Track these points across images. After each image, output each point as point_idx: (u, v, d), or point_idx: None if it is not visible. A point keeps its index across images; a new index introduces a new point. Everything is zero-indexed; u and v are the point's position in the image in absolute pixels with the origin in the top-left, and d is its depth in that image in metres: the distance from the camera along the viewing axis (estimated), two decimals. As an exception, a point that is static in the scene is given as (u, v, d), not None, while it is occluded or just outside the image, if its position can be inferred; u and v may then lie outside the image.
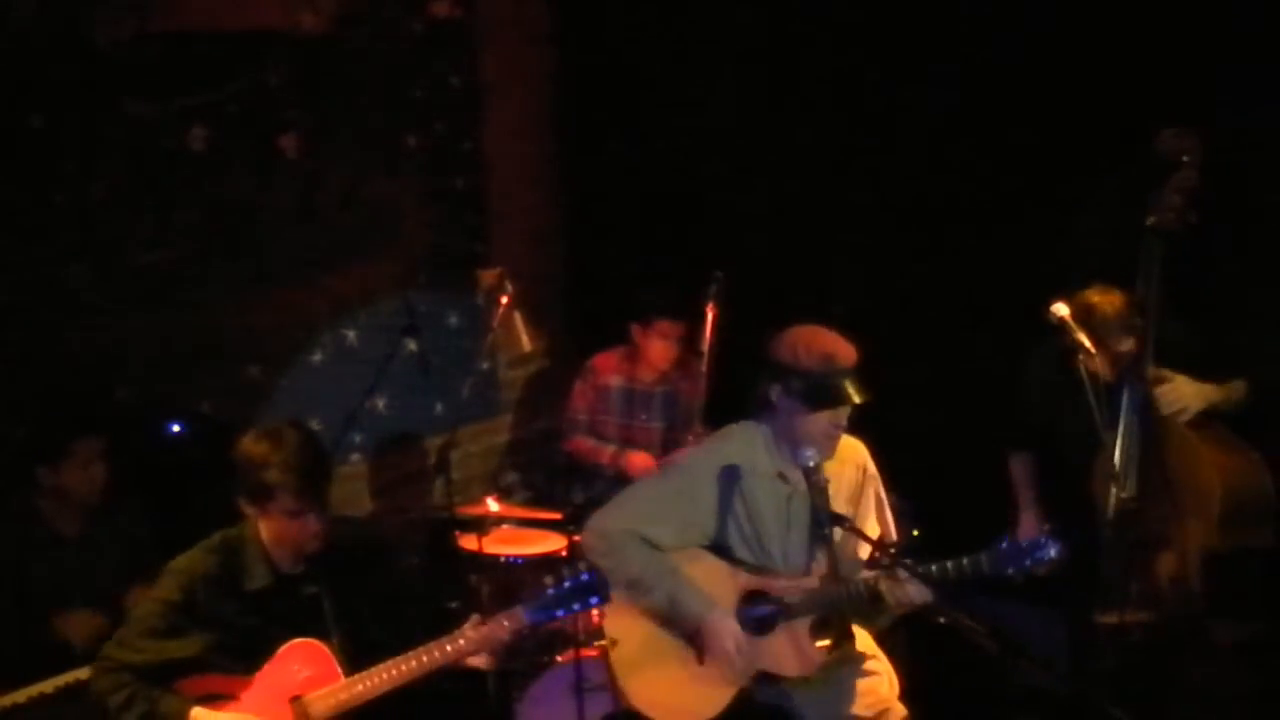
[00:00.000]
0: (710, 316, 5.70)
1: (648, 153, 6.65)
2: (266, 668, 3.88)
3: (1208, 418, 4.58)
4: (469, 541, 5.59)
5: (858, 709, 4.27)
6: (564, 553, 5.62)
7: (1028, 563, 3.92)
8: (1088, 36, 5.38)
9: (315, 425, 6.04)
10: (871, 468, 4.38)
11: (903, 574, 3.99)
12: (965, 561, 3.96)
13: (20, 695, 4.53)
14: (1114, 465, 4.48)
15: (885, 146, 5.94)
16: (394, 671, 3.82)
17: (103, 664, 3.93)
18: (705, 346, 5.72)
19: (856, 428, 4.33)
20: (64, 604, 4.79)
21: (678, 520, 4.27)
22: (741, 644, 4.18)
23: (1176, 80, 5.05)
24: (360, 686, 3.83)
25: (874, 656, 4.38)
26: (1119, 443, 4.49)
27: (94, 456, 4.88)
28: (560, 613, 3.83)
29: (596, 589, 3.82)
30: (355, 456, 6.41)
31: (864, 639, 4.39)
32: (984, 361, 5.49)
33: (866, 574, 4.13)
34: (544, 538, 5.78)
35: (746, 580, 4.24)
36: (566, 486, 6.50)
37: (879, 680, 4.33)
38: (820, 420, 4.13)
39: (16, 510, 4.90)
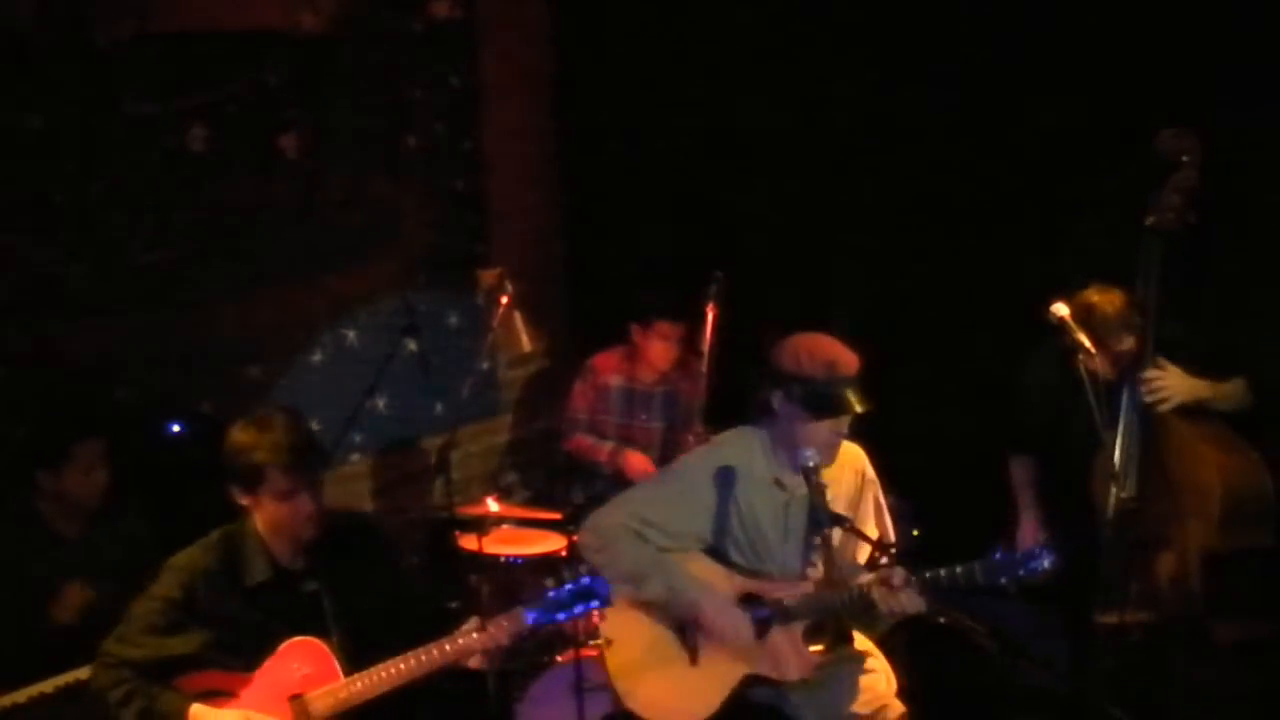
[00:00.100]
0: (710, 316, 5.70)
1: (648, 153, 6.64)
2: (266, 665, 3.88)
3: (1208, 417, 4.58)
4: (469, 541, 5.58)
5: (855, 706, 4.27)
6: (564, 553, 5.63)
7: (1021, 573, 3.93)
8: (1088, 36, 5.38)
9: (315, 425, 6.04)
10: (870, 473, 4.38)
11: (896, 581, 3.99)
12: (959, 570, 3.97)
13: (20, 695, 4.53)
14: (1114, 465, 4.48)
15: (885, 146, 5.94)
16: (393, 671, 3.81)
17: (102, 660, 3.94)
18: (705, 346, 5.72)
19: (856, 430, 4.33)
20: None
21: (674, 522, 4.27)
22: (739, 620, 4.17)
23: (1176, 80, 5.05)
24: (359, 685, 3.83)
25: (872, 655, 4.39)
26: (1119, 443, 4.49)
27: (95, 460, 4.87)
28: (561, 616, 3.83)
29: (597, 592, 3.82)
30: (355, 456, 6.41)
31: (861, 637, 4.39)
32: (984, 362, 5.49)
33: (861, 579, 4.13)
34: (544, 538, 5.78)
35: (742, 583, 4.24)
36: (566, 486, 6.50)
37: (877, 678, 4.34)
38: (821, 429, 4.14)
39: (16, 511, 4.89)
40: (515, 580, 5.70)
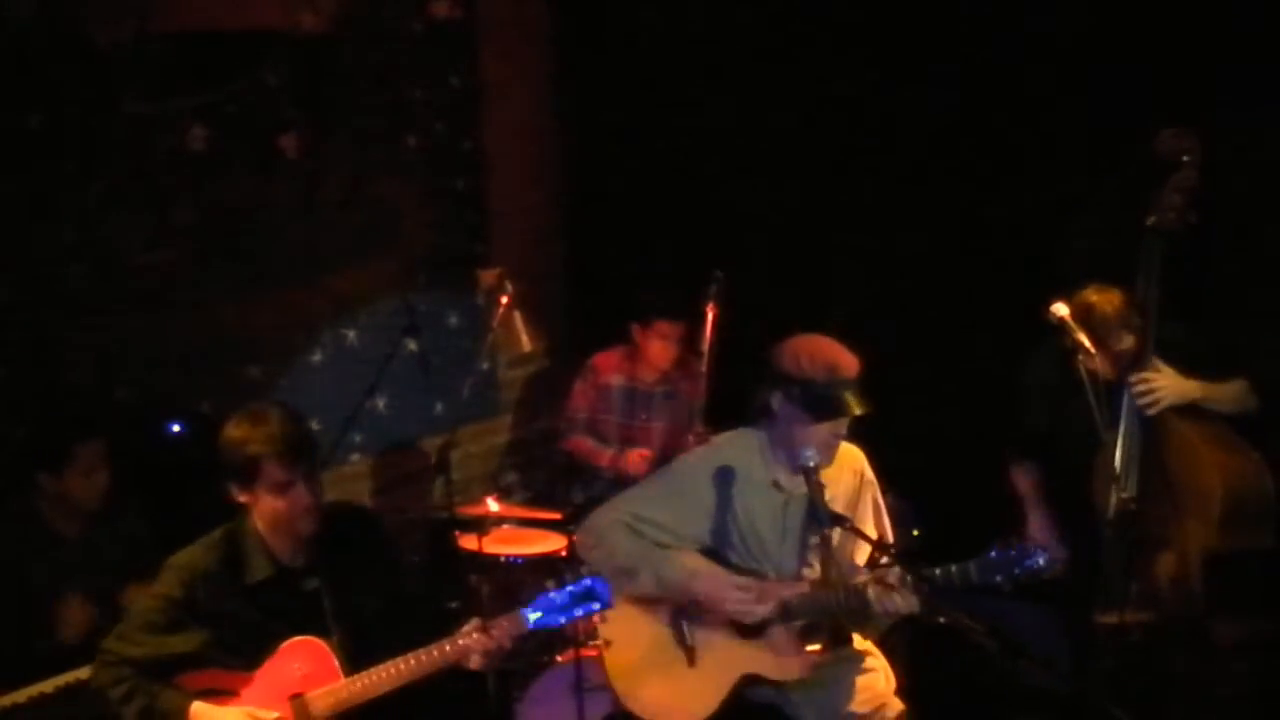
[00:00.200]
0: (710, 316, 5.70)
1: (648, 153, 6.65)
2: (267, 665, 3.88)
3: (1209, 418, 4.58)
4: (469, 541, 5.59)
5: (854, 705, 4.27)
6: (564, 553, 5.63)
7: (1016, 571, 3.92)
8: (1088, 36, 5.38)
9: (315, 425, 6.05)
10: (869, 474, 4.38)
11: (891, 580, 4.00)
12: (954, 569, 3.96)
13: (20, 695, 4.53)
14: (1114, 466, 4.48)
15: (885, 146, 5.94)
16: (393, 671, 3.81)
17: (103, 658, 3.94)
18: (705, 346, 5.72)
19: (856, 430, 4.33)
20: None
21: (671, 521, 4.27)
22: (739, 585, 4.16)
23: (1176, 80, 5.05)
24: (359, 685, 3.83)
25: (871, 653, 4.39)
26: (1119, 443, 4.49)
27: (96, 462, 4.87)
28: (562, 618, 3.83)
29: (598, 594, 3.82)
30: (355, 456, 6.41)
31: (863, 639, 4.39)
32: (984, 362, 5.49)
33: (858, 579, 4.13)
34: (544, 538, 5.79)
35: (737, 582, 4.23)
36: (566, 486, 6.50)
37: (875, 676, 4.34)
38: (821, 430, 4.14)
39: (17, 511, 4.89)
40: (515, 580, 5.70)
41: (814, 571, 4.20)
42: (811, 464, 4.04)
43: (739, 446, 4.33)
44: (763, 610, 4.15)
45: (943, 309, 5.85)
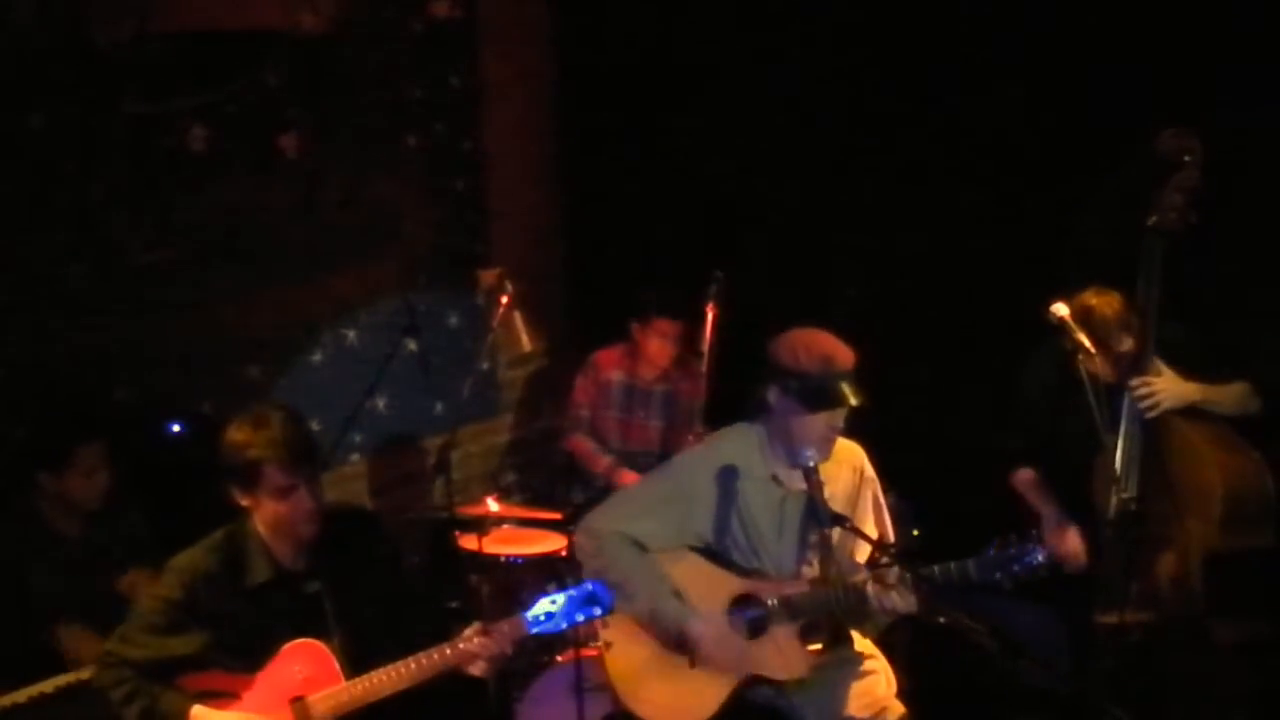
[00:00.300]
0: (710, 316, 5.70)
1: (648, 153, 6.65)
2: (268, 667, 3.88)
3: (1209, 418, 4.58)
4: (469, 541, 5.59)
5: (855, 709, 4.26)
6: (564, 553, 5.63)
7: (1015, 569, 3.92)
8: (1088, 36, 5.38)
9: (315, 425, 6.05)
10: (869, 470, 4.37)
11: (891, 578, 4.00)
12: (953, 567, 3.97)
13: (20, 695, 4.53)
14: (1114, 466, 4.48)
15: (885, 146, 5.94)
16: (394, 674, 3.81)
17: (104, 659, 3.94)
18: (705, 346, 5.72)
19: (855, 429, 4.33)
20: (64, 606, 4.78)
21: (670, 521, 4.27)
22: (724, 642, 4.17)
23: (1176, 80, 5.05)
24: (360, 689, 3.83)
25: (871, 656, 4.38)
26: (1119, 443, 4.50)
27: (97, 463, 4.87)
28: (563, 623, 3.82)
29: (599, 599, 3.81)
30: (355, 456, 6.41)
31: (863, 640, 4.39)
32: (984, 362, 5.49)
33: (857, 577, 4.13)
34: (544, 538, 5.79)
35: (736, 584, 4.24)
36: (566, 486, 6.51)
37: (876, 680, 4.33)
38: (817, 422, 4.13)
39: (17, 511, 4.89)
40: (515, 580, 5.70)
41: (813, 569, 4.20)
42: (811, 464, 4.04)
43: (737, 442, 4.33)
44: (733, 667, 4.16)
45: (943, 309, 5.85)
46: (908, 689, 4.42)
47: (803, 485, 4.10)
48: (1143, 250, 4.43)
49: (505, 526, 5.84)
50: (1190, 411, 4.55)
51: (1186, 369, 4.57)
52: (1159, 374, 4.54)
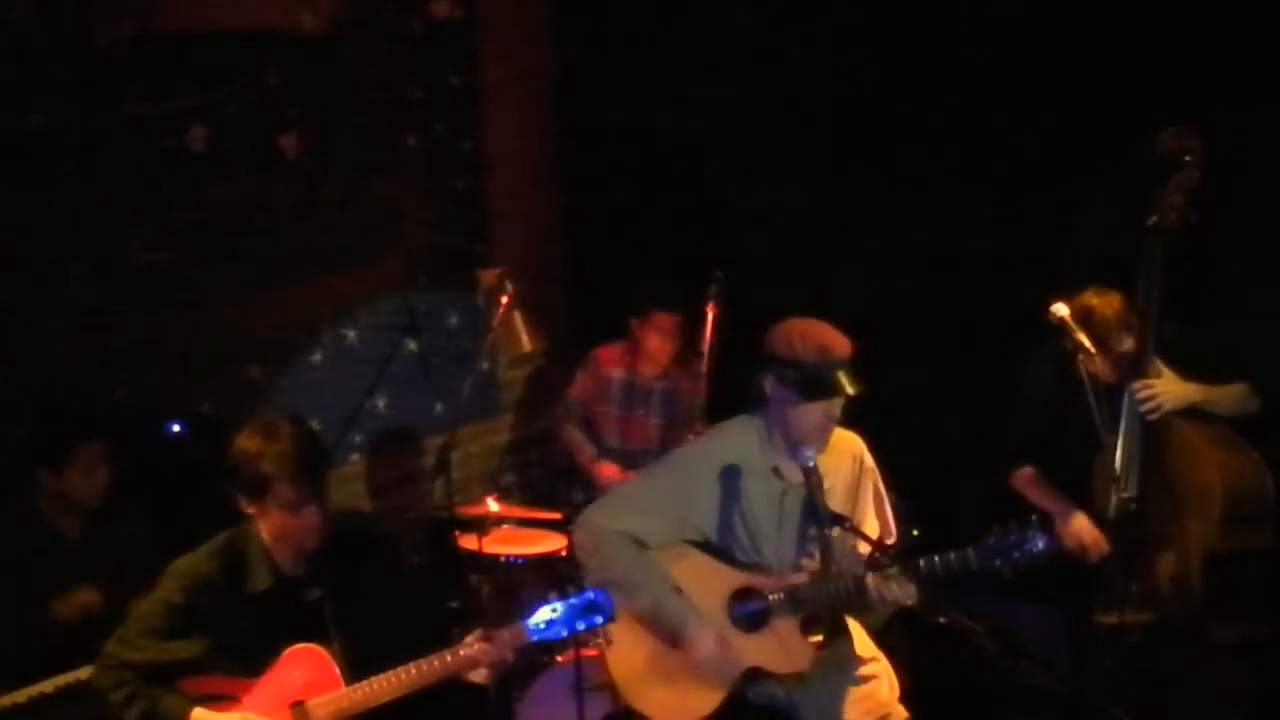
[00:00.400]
0: (710, 316, 5.70)
1: (648, 153, 6.65)
2: (268, 672, 3.88)
3: (1209, 418, 4.58)
4: (469, 541, 5.59)
5: (857, 714, 4.26)
6: (564, 553, 5.63)
7: (1016, 555, 3.90)
8: (1088, 36, 5.38)
9: (315, 425, 6.04)
10: (869, 461, 4.36)
11: (891, 570, 3.99)
12: (953, 556, 3.95)
13: (20, 695, 4.53)
14: (1114, 466, 4.48)
15: (885, 147, 5.94)
16: (394, 680, 3.82)
17: (104, 661, 3.94)
18: (705, 346, 5.72)
19: (855, 426, 4.33)
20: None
21: (669, 517, 4.26)
22: (717, 651, 4.16)
23: (1176, 80, 5.05)
24: (360, 694, 3.83)
25: (873, 659, 4.37)
26: (1119, 443, 4.50)
27: (97, 460, 4.88)
28: (564, 631, 3.82)
29: (601, 606, 3.81)
30: (355, 456, 6.41)
31: (863, 641, 4.38)
32: (984, 362, 5.49)
33: (858, 569, 4.12)
34: (544, 538, 5.79)
35: (736, 577, 4.23)
36: (566, 486, 6.51)
37: (878, 684, 4.32)
38: (814, 411, 4.12)
39: (17, 511, 4.89)
40: (515, 580, 5.70)
41: (814, 562, 4.18)
42: (811, 464, 4.03)
43: (737, 434, 4.32)
44: (726, 672, 4.16)
45: (943, 309, 5.84)
46: (908, 689, 4.42)
47: (801, 477, 4.09)
48: (1143, 250, 4.43)
49: (505, 526, 5.84)
50: (1190, 411, 4.55)
51: (1185, 369, 4.58)
52: (1159, 375, 4.54)
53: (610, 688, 4.47)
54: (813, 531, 4.16)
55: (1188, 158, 4.42)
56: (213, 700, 3.87)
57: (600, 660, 4.47)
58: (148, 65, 5.60)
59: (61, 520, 4.91)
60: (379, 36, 6.39)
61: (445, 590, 5.80)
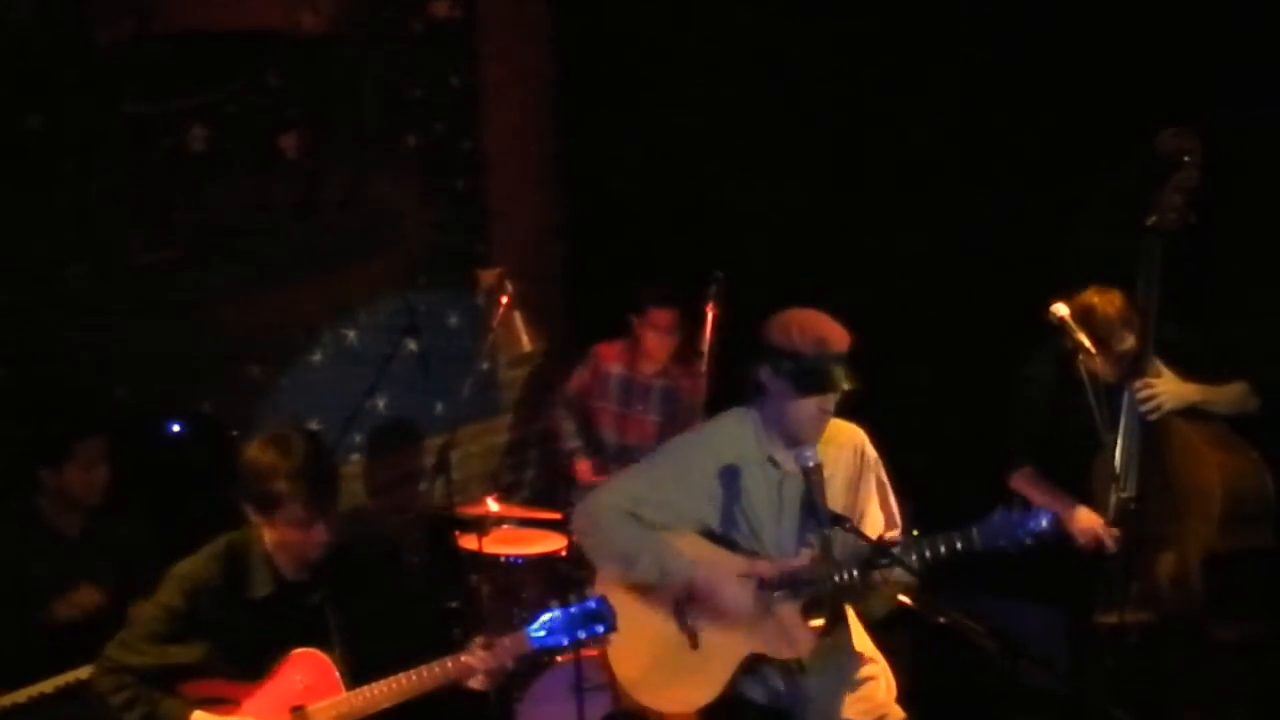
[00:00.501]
0: (710, 316, 5.70)
1: (648, 153, 6.65)
2: (269, 676, 3.88)
3: (1209, 418, 4.58)
4: (469, 541, 5.59)
5: (854, 713, 4.25)
6: (564, 553, 5.64)
7: (1019, 533, 3.88)
8: (1088, 36, 5.38)
9: (315, 425, 6.06)
10: (871, 452, 4.34)
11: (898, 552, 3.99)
12: (957, 536, 3.94)
13: (20, 695, 4.53)
14: (1114, 466, 4.48)
15: (885, 146, 5.94)
16: (394, 686, 3.81)
17: (104, 664, 3.94)
18: (705, 346, 5.72)
19: (855, 424, 4.33)
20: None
21: (667, 502, 4.24)
22: (737, 588, 4.13)
23: (1176, 80, 5.05)
24: (361, 700, 3.83)
25: (872, 660, 4.36)
26: (1119, 443, 4.50)
27: (97, 457, 4.88)
28: (566, 640, 3.82)
29: (603, 616, 3.81)
30: (355, 456, 6.41)
31: (863, 641, 4.38)
32: (984, 362, 5.49)
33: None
34: (544, 538, 5.79)
35: (737, 563, 4.22)
36: (566, 486, 6.51)
37: (876, 684, 4.31)
38: (808, 405, 4.11)
39: (17, 510, 4.89)
40: (515, 580, 5.71)
41: (814, 550, 4.16)
42: (811, 464, 4.03)
43: (734, 424, 4.30)
44: (751, 607, 4.12)
45: (943, 309, 5.84)
46: (908, 689, 4.41)
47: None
48: (1142, 250, 4.43)
49: (505, 526, 5.84)
50: (1190, 411, 4.55)
51: (1185, 369, 4.58)
52: (1159, 375, 4.55)
53: (610, 686, 4.47)
54: (813, 524, 4.14)
55: (1187, 158, 4.42)
56: (213, 704, 3.87)
57: (601, 658, 4.47)
58: (148, 65, 5.60)
59: (61, 519, 4.91)
60: (379, 36, 6.39)
61: (445, 590, 5.80)
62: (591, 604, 3.82)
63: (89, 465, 4.87)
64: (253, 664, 3.88)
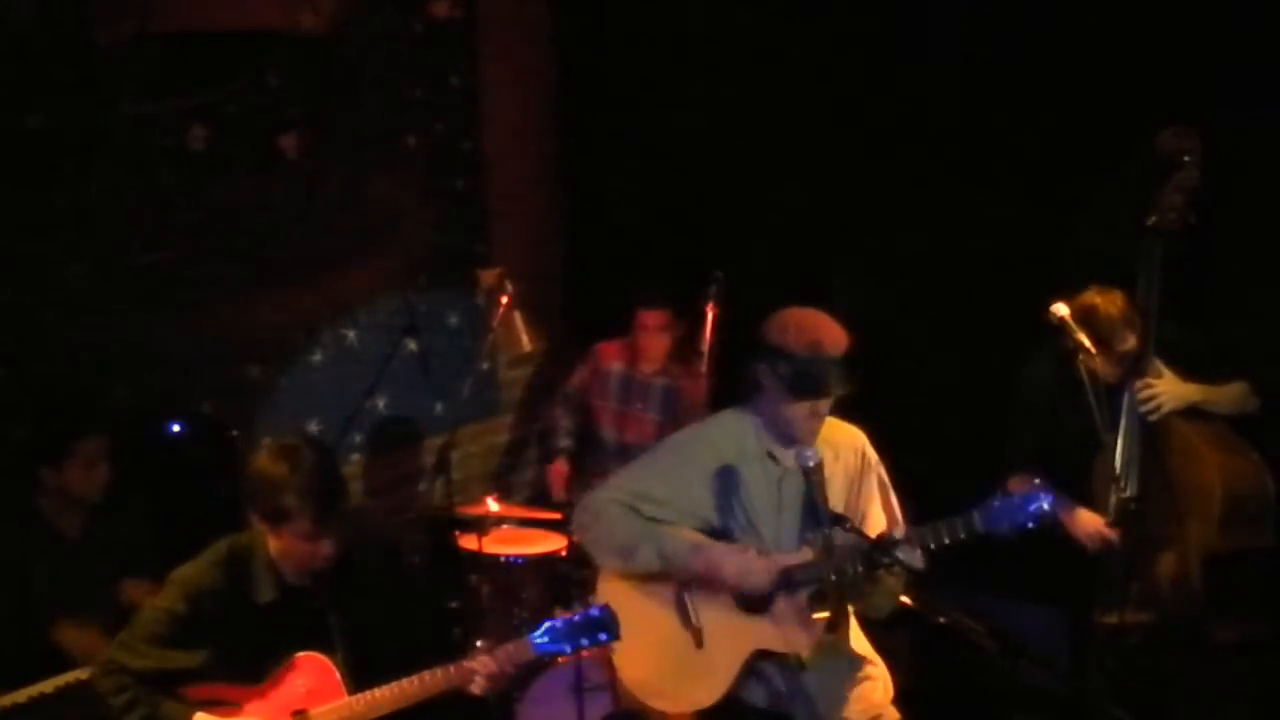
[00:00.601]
0: (710, 316, 5.70)
1: (648, 153, 6.65)
2: (272, 680, 3.88)
3: (1209, 418, 4.58)
4: (469, 541, 5.59)
5: (850, 713, 4.25)
6: (564, 553, 5.64)
7: (1020, 516, 3.87)
8: (1088, 36, 5.39)
9: (315, 425, 6.07)
10: (871, 454, 4.34)
11: (898, 535, 3.98)
12: (959, 521, 3.93)
13: (20, 695, 4.52)
14: (1114, 466, 4.48)
15: (885, 147, 5.94)
16: (396, 691, 3.81)
17: (105, 665, 3.94)
18: (705, 346, 5.72)
19: (855, 425, 4.33)
20: (65, 605, 4.78)
21: (666, 498, 4.22)
22: (745, 559, 4.11)
23: (1176, 80, 5.05)
24: (362, 705, 3.83)
25: (871, 661, 4.36)
26: (1119, 443, 4.50)
27: (97, 456, 4.88)
28: (569, 648, 3.82)
29: (607, 625, 3.81)
30: (355, 456, 6.41)
31: (861, 643, 4.37)
32: (984, 362, 5.49)
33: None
34: (544, 538, 5.79)
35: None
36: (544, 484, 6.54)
37: (874, 685, 4.31)
38: (801, 407, 4.11)
39: (17, 510, 4.89)
40: (515, 580, 5.71)
41: (816, 545, 4.15)
42: (811, 464, 4.03)
43: (734, 420, 4.30)
44: (763, 575, 4.10)
45: (943, 309, 5.85)
46: (908, 689, 4.41)
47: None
48: (1142, 250, 4.44)
49: (505, 526, 5.84)
50: (1190, 411, 4.56)
51: (1185, 369, 4.58)
52: (1159, 375, 4.55)
53: (611, 686, 4.47)
54: (813, 527, 4.14)
55: (1187, 158, 4.42)
56: (215, 707, 3.87)
57: (604, 660, 4.46)
58: (148, 65, 5.59)
59: (62, 519, 4.91)
60: (379, 36, 6.39)
61: (445, 590, 5.80)
62: (595, 612, 3.82)
63: (89, 465, 4.87)
64: (255, 668, 3.88)
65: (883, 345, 4.43)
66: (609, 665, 4.40)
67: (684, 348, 6.16)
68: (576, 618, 3.82)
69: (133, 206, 5.63)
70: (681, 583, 4.24)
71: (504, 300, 6.02)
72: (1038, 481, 4.77)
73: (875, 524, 4.26)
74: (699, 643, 4.23)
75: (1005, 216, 5.64)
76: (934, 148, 5.81)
